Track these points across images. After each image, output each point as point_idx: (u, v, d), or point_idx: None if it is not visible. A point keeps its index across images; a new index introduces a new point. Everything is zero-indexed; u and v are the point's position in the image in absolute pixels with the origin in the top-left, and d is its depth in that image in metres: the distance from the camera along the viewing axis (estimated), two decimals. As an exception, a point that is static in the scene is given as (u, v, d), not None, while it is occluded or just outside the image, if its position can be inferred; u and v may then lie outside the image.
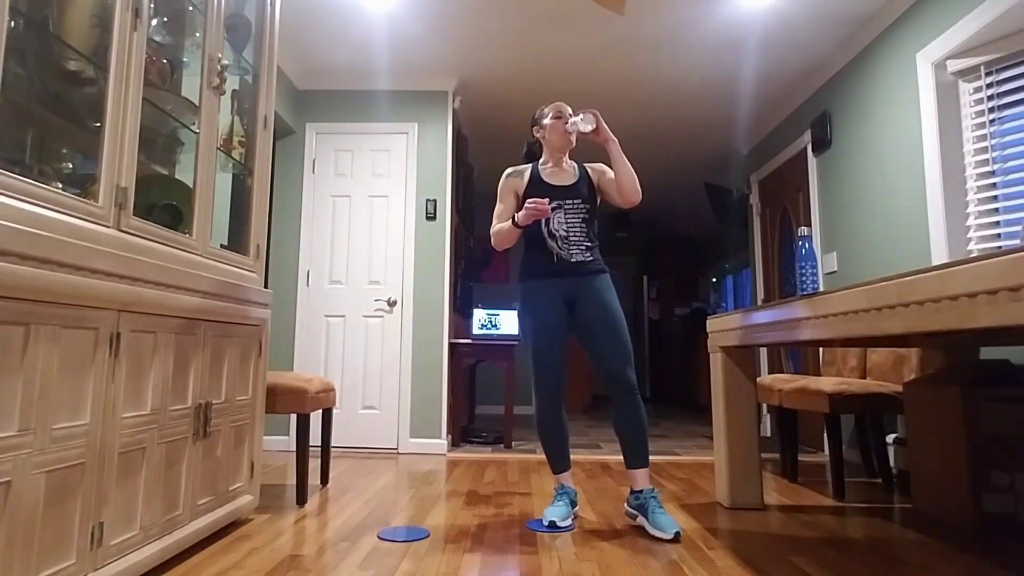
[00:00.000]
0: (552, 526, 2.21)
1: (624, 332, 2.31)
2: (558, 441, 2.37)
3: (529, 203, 2.21)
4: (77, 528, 1.41)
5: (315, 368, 4.00)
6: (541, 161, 2.50)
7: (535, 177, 2.44)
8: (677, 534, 2.08)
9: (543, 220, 2.37)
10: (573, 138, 2.40)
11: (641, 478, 2.25)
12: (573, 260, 2.36)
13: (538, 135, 2.49)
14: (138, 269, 1.59)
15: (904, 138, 3.16)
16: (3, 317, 1.21)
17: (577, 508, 2.44)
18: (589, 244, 2.39)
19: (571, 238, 2.37)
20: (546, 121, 2.44)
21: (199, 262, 1.95)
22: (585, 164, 2.53)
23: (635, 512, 2.27)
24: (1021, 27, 2.61)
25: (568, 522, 2.25)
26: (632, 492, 2.27)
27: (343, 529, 2.19)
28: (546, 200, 2.22)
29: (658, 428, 5.39)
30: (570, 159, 2.51)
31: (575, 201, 2.39)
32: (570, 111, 2.44)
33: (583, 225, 2.39)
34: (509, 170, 2.48)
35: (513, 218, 2.31)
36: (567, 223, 2.37)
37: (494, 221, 2.44)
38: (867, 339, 1.67)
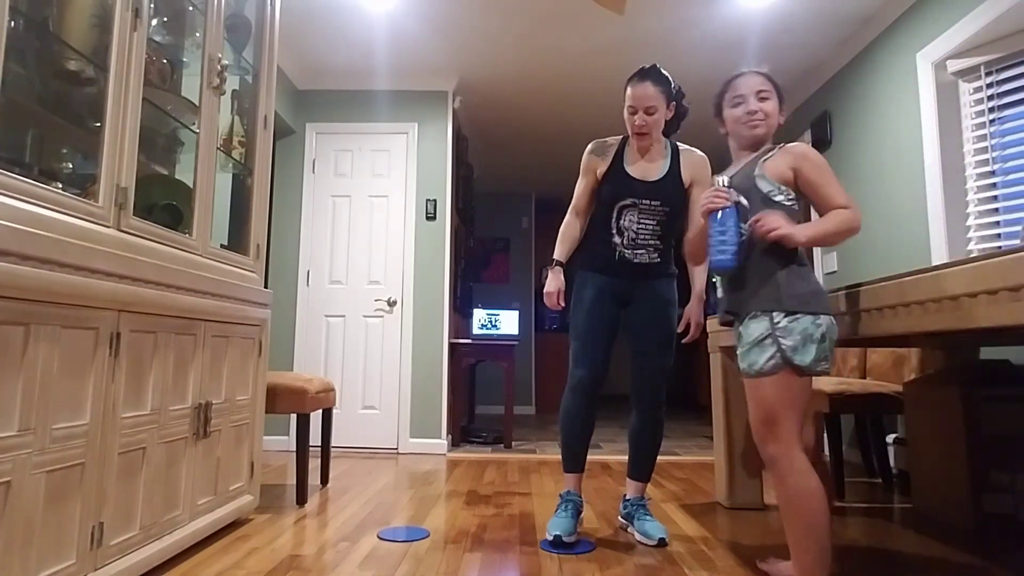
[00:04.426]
0: (557, 542, 1.95)
1: (671, 347, 2.15)
2: (580, 436, 2.14)
3: (547, 296, 2.13)
4: (77, 528, 1.41)
5: (315, 368, 4.00)
6: (630, 139, 2.15)
7: (617, 164, 2.12)
8: (662, 540, 2.01)
9: (615, 214, 2.12)
10: (646, 134, 2.08)
11: (635, 489, 2.21)
12: (636, 261, 2.12)
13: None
14: (138, 269, 1.59)
15: (904, 138, 3.16)
16: (3, 317, 1.21)
17: (583, 517, 2.27)
18: (659, 246, 2.14)
19: (639, 239, 2.11)
20: (627, 105, 2.08)
21: (199, 262, 1.95)
22: (682, 148, 2.16)
23: (625, 522, 2.22)
24: (1021, 27, 2.61)
25: (573, 537, 2.00)
26: (624, 499, 2.24)
27: (343, 529, 2.19)
28: (560, 305, 2.13)
29: (658, 428, 5.38)
30: (667, 140, 2.16)
31: (652, 202, 2.09)
32: (647, 108, 2.03)
33: (657, 227, 2.12)
34: (593, 144, 2.19)
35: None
36: (638, 222, 2.11)
37: (574, 198, 2.24)
38: (867, 339, 1.66)
